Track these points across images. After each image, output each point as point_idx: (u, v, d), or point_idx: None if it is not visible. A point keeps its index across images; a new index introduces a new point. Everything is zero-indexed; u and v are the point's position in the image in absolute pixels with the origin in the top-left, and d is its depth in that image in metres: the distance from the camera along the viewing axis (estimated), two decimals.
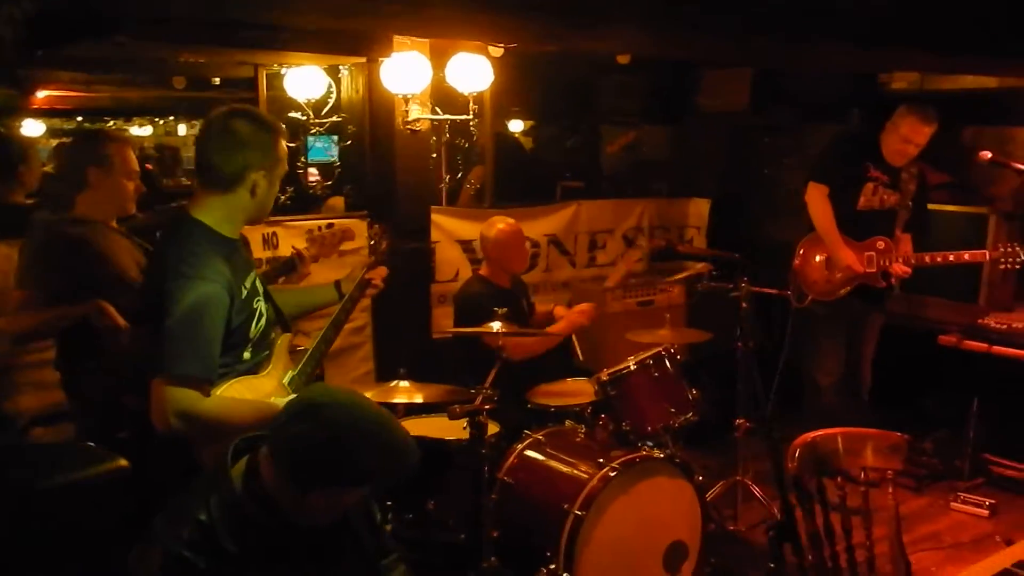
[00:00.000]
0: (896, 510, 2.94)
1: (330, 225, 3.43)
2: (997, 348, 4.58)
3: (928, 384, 5.29)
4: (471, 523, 3.46)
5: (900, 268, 4.55)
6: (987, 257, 4.53)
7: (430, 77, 4.38)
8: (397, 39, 4.22)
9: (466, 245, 5.21)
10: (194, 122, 11.32)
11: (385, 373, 4.82)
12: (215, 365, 2.38)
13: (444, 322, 5.03)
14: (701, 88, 6.36)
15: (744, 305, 4.17)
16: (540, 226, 5.56)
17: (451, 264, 5.17)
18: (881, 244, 4.60)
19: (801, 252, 4.73)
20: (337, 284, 3.13)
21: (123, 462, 1.80)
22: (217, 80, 6.08)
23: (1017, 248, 4.44)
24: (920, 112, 4.44)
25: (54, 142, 9.91)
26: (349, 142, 4.88)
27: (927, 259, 4.56)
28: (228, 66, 5.04)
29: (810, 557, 2.57)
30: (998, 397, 4.84)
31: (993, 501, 4.61)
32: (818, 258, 4.67)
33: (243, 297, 2.52)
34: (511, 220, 4.49)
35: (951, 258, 4.51)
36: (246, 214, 2.57)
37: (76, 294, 3.02)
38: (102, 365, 3.05)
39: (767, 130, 6.18)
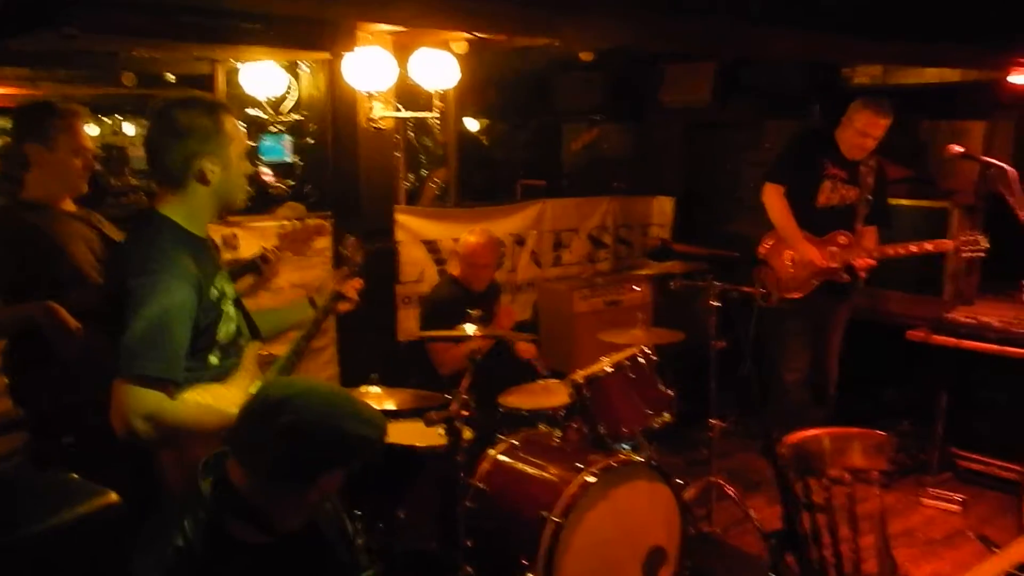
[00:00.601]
0: (882, 509, 2.92)
1: (301, 218, 3.27)
2: (966, 342, 4.59)
3: (890, 378, 5.31)
4: (444, 532, 3.37)
5: (864, 261, 4.53)
6: (951, 246, 4.51)
7: (395, 73, 4.26)
8: (360, 33, 4.09)
9: (431, 245, 5.12)
10: (143, 120, 10.99)
11: (350, 377, 4.70)
12: (180, 366, 2.26)
13: (409, 324, 4.93)
14: (663, 84, 6.31)
15: (716, 303, 4.12)
16: (505, 225, 5.48)
17: (416, 265, 5.07)
18: (843, 239, 4.59)
19: (764, 251, 4.71)
20: (311, 299, 3.01)
21: (113, 496, 1.65)
22: (172, 77, 5.86)
23: (979, 236, 4.43)
24: (875, 105, 4.44)
25: None
26: (310, 141, 4.73)
27: (890, 251, 4.55)
28: (184, 62, 4.85)
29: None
30: (962, 391, 4.87)
31: (963, 496, 4.63)
32: (783, 257, 4.65)
33: (212, 298, 2.41)
34: (486, 235, 4.42)
35: (914, 249, 4.49)
36: (210, 204, 2.45)
37: (28, 290, 2.84)
38: (50, 369, 2.88)
39: (729, 126, 6.15)
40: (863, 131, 4.46)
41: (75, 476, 1.74)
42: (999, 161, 3.85)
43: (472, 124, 9.16)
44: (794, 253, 4.59)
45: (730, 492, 4.26)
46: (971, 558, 4.10)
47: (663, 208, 6.27)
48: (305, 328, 2.84)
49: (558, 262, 5.84)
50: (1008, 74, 4.57)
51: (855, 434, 2.89)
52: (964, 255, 4.52)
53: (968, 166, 5.47)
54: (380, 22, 3.73)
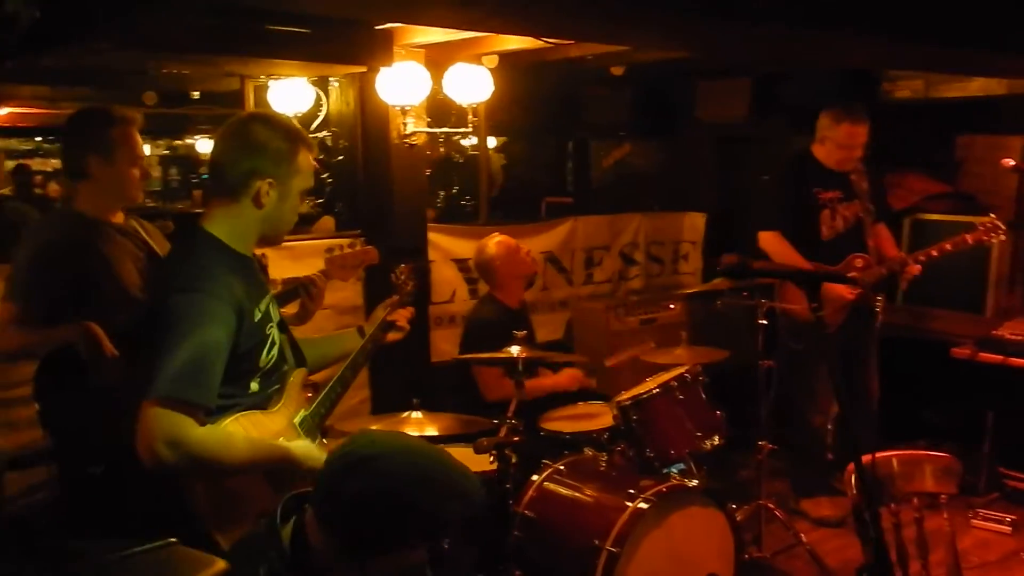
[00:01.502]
0: (953, 536, 2.80)
1: (352, 244, 3.16)
2: (1014, 360, 4.46)
3: (930, 397, 5.18)
4: (491, 562, 3.24)
5: (913, 269, 4.34)
6: (969, 240, 4.31)
7: (429, 88, 4.18)
8: (396, 48, 4.01)
9: (462, 264, 5.02)
10: (159, 142, 10.89)
11: (382, 401, 4.59)
12: (213, 392, 2.15)
13: (443, 346, 4.82)
14: (698, 100, 6.22)
15: (763, 322, 4.00)
16: (536, 243, 5.38)
17: (447, 284, 4.97)
18: (859, 262, 4.39)
19: (783, 295, 4.46)
20: (360, 329, 2.92)
21: (221, 564, 1.53)
22: (197, 94, 5.78)
23: (996, 220, 4.27)
24: (850, 117, 4.27)
25: (11, 164, 9.47)
26: (340, 157, 4.63)
27: (911, 259, 4.37)
28: (212, 79, 4.78)
29: None
30: (1009, 410, 4.73)
31: (1013, 516, 4.49)
32: (802, 296, 4.40)
33: (255, 321, 2.31)
34: (499, 234, 4.31)
35: (934, 253, 4.31)
36: (257, 228, 2.36)
37: (71, 309, 2.73)
38: (82, 394, 2.77)
39: (764, 141, 6.05)
40: (847, 144, 4.29)
41: (175, 542, 1.61)
42: None
43: (489, 142, 9.07)
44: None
45: (779, 516, 4.13)
46: None
47: (695, 224, 6.18)
48: (352, 358, 2.74)
49: (590, 280, 5.74)
50: None
51: (924, 457, 2.78)
52: (985, 242, 4.34)
53: (1007, 180, 5.36)
54: (451, 26, 3.51)
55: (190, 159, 10.31)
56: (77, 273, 2.77)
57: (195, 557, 1.56)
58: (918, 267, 4.35)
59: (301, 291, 3.12)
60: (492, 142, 9.11)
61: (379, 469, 1.63)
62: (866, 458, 2.57)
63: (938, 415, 5.17)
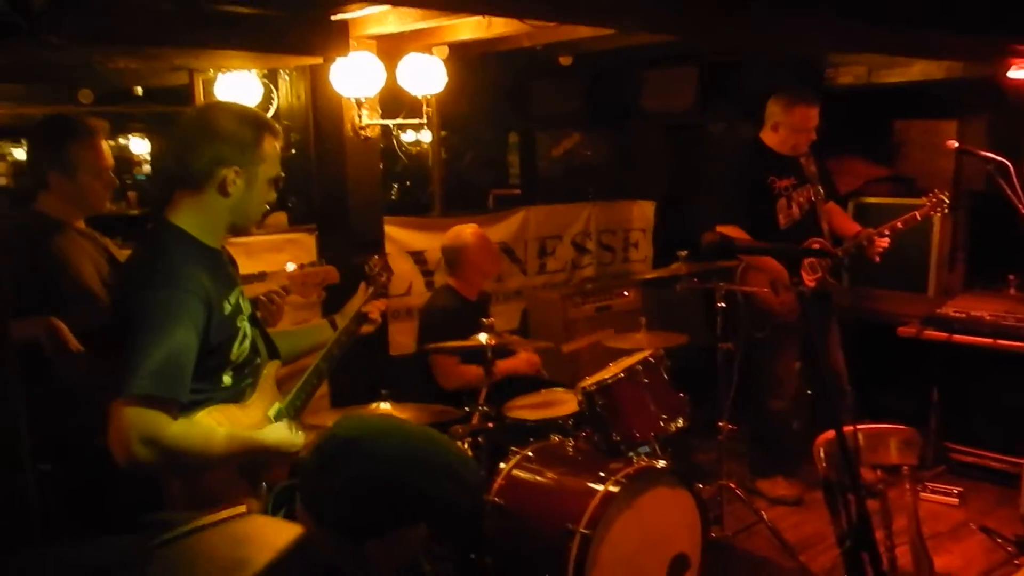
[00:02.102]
0: (916, 506, 2.90)
1: (313, 263, 3.13)
2: (958, 337, 4.60)
3: (876, 377, 5.32)
4: (461, 549, 3.24)
5: (883, 241, 4.41)
6: (918, 217, 4.41)
7: (383, 79, 4.14)
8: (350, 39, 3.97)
9: (418, 256, 5.01)
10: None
11: (341, 395, 4.54)
12: (186, 386, 2.12)
13: (401, 339, 4.80)
14: (645, 90, 6.28)
15: (723, 305, 4.07)
16: (490, 234, 5.32)
17: (403, 277, 4.94)
18: (817, 246, 4.48)
19: (744, 283, 4.46)
20: (332, 321, 2.90)
21: (299, 528, 1.50)
22: (140, 90, 5.62)
23: (941, 194, 4.37)
24: (803, 99, 4.34)
25: None
26: (292, 151, 4.57)
27: (878, 235, 4.45)
28: (160, 73, 4.65)
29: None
30: (953, 386, 4.89)
31: (960, 489, 4.63)
32: (762, 285, 4.42)
33: (225, 314, 2.28)
34: (475, 225, 4.31)
35: (887, 231, 4.41)
36: (224, 219, 2.34)
37: (29, 306, 2.66)
38: (39, 390, 2.69)
39: (713, 130, 6.14)
40: (803, 128, 4.34)
41: (247, 511, 1.57)
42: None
43: (426, 136, 9.01)
44: (771, 280, 4.39)
45: (740, 495, 4.21)
46: (978, 550, 4.11)
47: (644, 212, 6.25)
48: (327, 350, 2.72)
49: (543, 269, 5.77)
50: (1008, 68, 4.51)
51: (888, 430, 2.87)
52: (934, 214, 4.45)
53: (944, 163, 5.54)
54: (440, 8, 3.40)
55: (124, 159, 10.04)
56: (35, 271, 2.71)
57: (273, 524, 1.53)
58: (887, 240, 4.42)
59: (260, 306, 3.09)
60: (428, 136, 9.08)
61: (364, 451, 1.60)
62: (847, 429, 2.66)
63: (885, 393, 5.32)
